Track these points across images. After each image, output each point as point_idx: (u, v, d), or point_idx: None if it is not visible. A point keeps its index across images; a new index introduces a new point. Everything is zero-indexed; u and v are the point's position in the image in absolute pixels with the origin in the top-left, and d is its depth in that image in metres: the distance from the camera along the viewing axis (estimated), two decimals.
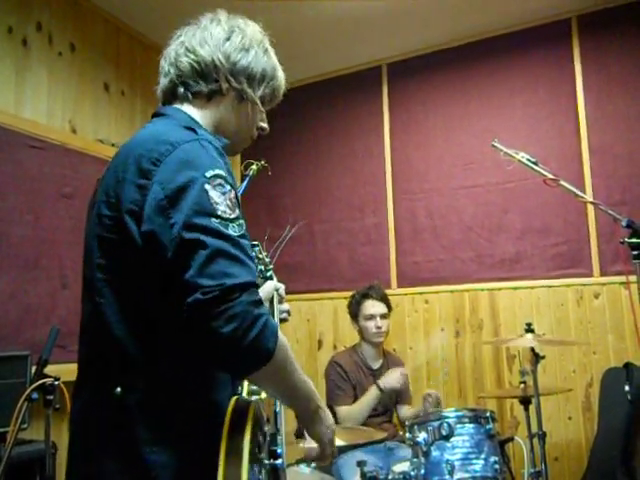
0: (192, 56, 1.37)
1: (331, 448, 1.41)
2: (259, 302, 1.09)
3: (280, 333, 1.13)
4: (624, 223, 2.28)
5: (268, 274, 1.80)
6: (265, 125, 1.51)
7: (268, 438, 1.31)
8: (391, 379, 3.30)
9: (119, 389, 1.15)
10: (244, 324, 1.04)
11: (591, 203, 3.35)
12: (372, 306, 3.47)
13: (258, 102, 1.43)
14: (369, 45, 4.35)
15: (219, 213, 1.13)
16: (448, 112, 4.29)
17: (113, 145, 3.64)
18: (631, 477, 3.27)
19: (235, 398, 1.21)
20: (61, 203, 3.26)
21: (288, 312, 1.73)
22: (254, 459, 1.13)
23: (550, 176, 2.50)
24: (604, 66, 3.85)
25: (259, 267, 1.80)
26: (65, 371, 2.60)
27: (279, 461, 1.29)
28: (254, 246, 1.91)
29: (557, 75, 3.98)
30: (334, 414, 3.32)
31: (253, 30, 1.45)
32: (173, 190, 1.14)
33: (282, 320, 1.73)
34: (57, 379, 2.19)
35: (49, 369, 2.24)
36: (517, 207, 3.99)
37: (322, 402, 1.37)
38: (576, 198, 2.55)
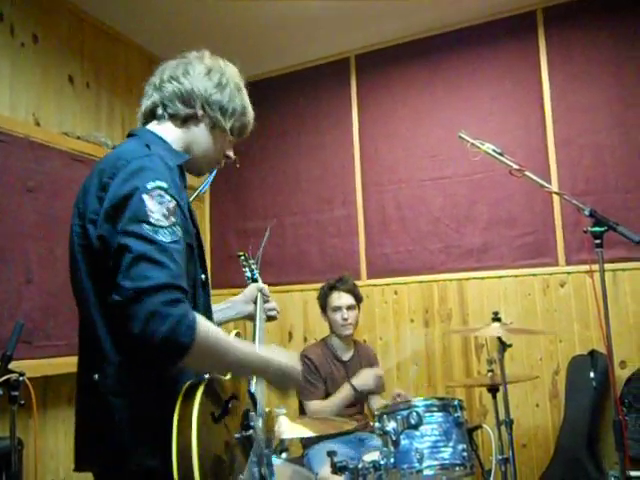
0: (175, 83, 1.56)
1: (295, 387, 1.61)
2: (174, 301, 1.19)
3: (205, 324, 1.25)
4: (587, 212, 2.32)
5: (254, 277, 2.16)
6: (231, 154, 1.70)
7: (242, 413, 1.52)
8: (365, 380, 3.35)
9: (96, 376, 1.35)
10: (154, 323, 1.15)
11: (556, 193, 3.41)
12: (338, 298, 3.49)
13: (228, 131, 1.61)
14: (337, 37, 4.34)
15: (151, 220, 1.26)
16: (416, 104, 4.31)
17: (78, 138, 3.58)
18: (595, 461, 3.35)
19: (190, 381, 1.34)
20: (25, 197, 3.19)
21: (276, 310, 2.11)
22: (206, 425, 1.29)
23: (515, 167, 2.53)
24: (569, 58, 3.89)
25: (247, 272, 2.19)
26: (31, 367, 2.57)
27: (250, 432, 1.49)
28: (240, 256, 2.25)
29: (523, 67, 4.02)
30: (303, 408, 3.33)
31: (232, 71, 1.65)
32: (119, 199, 1.29)
33: (271, 318, 2.11)
34: (22, 375, 2.17)
35: (15, 365, 2.22)
36: (484, 198, 4.03)
37: (283, 361, 1.51)
38: (542, 188, 2.59)
